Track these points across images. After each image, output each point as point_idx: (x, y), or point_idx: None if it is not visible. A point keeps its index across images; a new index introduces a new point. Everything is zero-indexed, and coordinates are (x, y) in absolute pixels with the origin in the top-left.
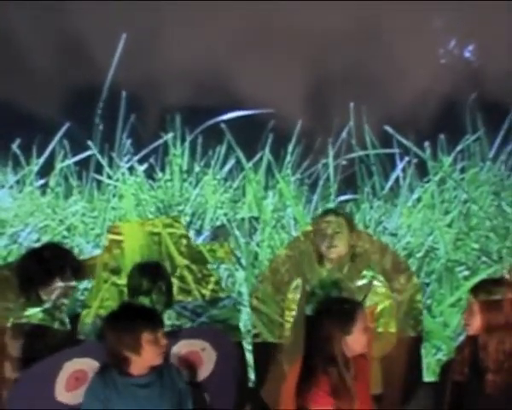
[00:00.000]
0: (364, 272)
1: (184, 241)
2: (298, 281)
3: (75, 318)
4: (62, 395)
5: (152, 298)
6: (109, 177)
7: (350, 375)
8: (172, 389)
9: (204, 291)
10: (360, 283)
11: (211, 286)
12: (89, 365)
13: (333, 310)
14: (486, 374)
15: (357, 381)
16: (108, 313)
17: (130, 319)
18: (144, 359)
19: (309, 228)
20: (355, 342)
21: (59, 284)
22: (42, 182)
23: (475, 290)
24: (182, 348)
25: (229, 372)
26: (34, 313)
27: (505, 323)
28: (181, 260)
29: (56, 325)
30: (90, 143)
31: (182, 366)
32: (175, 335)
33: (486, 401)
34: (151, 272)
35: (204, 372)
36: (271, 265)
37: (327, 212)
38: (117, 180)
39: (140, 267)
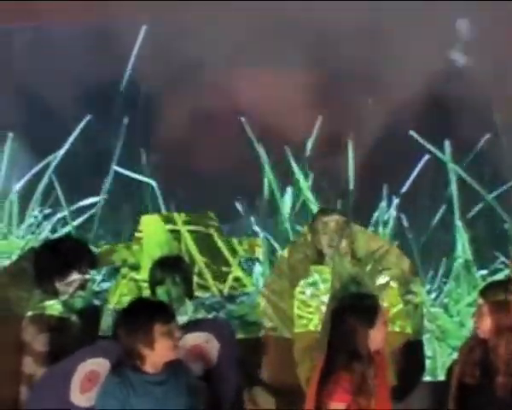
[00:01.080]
0: (381, 273)
1: (204, 238)
2: (316, 276)
3: (92, 311)
4: (77, 397)
5: (168, 289)
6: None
7: (371, 371)
8: (188, 386)
9: (222, 287)
10: (377, 282)
11: (230, 283)
12: (101, 365)
13: (357, 304)
14: (497, 377)
15: (377, 377)
16: (120, 310)
17: (142, 313)
18: (158, 353)
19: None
20: (377, 336)
21: (76, 276)
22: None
23: (484, 292)
24: (187, 342)
25: (232, 362)
26: (51, 305)
27: None
28: (200, 257)
29: (73, 318)
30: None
31: (188, 360)
32: (180, 328)
33: (497, 405)
34: (169, 264)
35: (208, 364)
36: (283, 261)
37: (325, 211)
38: None
39: (160, 259)
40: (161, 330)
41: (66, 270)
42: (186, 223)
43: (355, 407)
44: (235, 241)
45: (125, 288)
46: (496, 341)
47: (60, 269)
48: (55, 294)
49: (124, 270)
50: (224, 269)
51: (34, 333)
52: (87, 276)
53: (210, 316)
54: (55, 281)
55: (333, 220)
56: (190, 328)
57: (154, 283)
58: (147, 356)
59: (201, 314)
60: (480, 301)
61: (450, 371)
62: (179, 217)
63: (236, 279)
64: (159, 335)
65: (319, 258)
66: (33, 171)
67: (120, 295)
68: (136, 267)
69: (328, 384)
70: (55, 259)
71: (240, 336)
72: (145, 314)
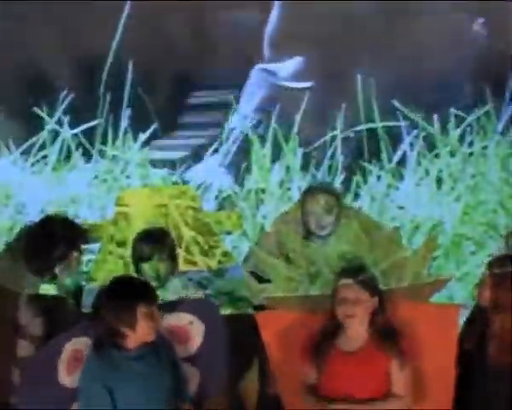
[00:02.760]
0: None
1: (191, 212)
2: None
3: (80, 290)
4: (65, 378)
5: (153, 264)
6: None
7: (345, 344)
8: (169, 362)
9: (210, 263)
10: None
11: (217, 258)
12: (85, 343)
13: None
14: (490, 348)
15: (359, 356)
16: (103, 288)
17: (126, 294)
18: (138, 334)
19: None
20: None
21: (74, 255)
22: (45, 153)
23: (490, 263)
24: (169, 321)
25: (219, 344)
26: (49, 289)
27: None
28: (187, 232)
29: (70, 299)
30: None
31: (169, 340)
32: (162, 308)
33: (489, 374)
34: (153, 238)
35: (193, 346)
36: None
37: (315, 189)
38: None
39: (143, 233)
40: (144, 311)
41: (64, 251)
42: (171, 197)
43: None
44: (222, 214)
45: (112, 265)
46: (492, 315)
47: (58, 251)
48: (53, 277)
49: (110, 246)
50: (212, 244)
51: (30, 316)
52: (82, 253)
53: (198, 293)
54: (55, 265)
55: (321, 199)
56: (173, 308)
57: (138, 258)
58: (128, 336)
59: (190, 291)
60: (486, 271)
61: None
62: (165, 190)
63: (224, 254)
64: (141, 316)
65: (308, 236)
66: None
67: (108, 273)
68: (123, 244)
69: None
70: (51, 241)
71: (229, 311)
72: (129, 295)
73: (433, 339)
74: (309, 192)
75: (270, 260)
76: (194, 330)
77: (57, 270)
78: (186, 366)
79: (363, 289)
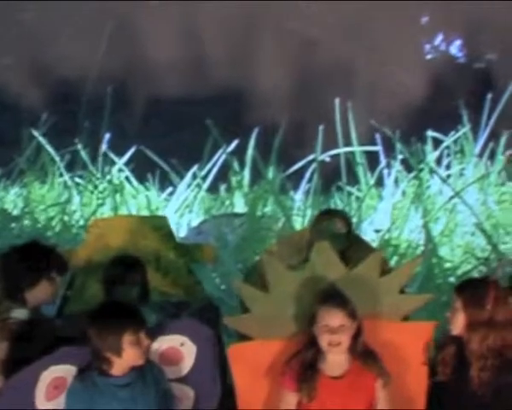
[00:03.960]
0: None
1: (169, 238)
2: None
3: (58, 315)
4: (43, 404)
5: (125, 289)
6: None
7: (329, 370)
8: (156, 388)
9: (188, 284)
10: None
11: (195, 279)
12: (67, 371)
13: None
14: (471, 371)
15: (347, 379)
16: (90, 312)
17: (112, 320)
18: (125, 360)
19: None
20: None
21: (44, 283)
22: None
23: (459, 288)
24: (161, 344)
25: (211, 364)
26: (20, 314)
27: (488, 319)
28: (165, 254)
29: (44, 325)
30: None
31: (162, 363)
32: (153, 331)
33: (472, 399)
34: (126, 263)
35: (185, 367)
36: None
37: (328, 211)
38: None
39: (117, 258)
40: (130, 339)
41: (35, 278)
42: (151, 223)
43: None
44: (196, 246)
45: (90, 289)
46: (469, 335)
47: (29, 277)
48: (23, 303)
49: (88, 270)
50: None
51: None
52: (57, 282)
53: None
54: (24, 290)
55: (333, 222)
56: (162, 330)
57: (110, 282)
58: (114, 362)
59: (168, 313)
60: (455, 297)
61: None
62: (140, 219)
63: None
64: (127, 344)
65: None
66: None
67: (87, 296)
68: (101, 267)
69: (284, 371)
70: (24, 267)
71: None
72: (115, 322)
73: (407, 356)
74: (323, 214)
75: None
76: (186, 351)
77: (27, 296)
78: (180, 387)
79: (348, 316)
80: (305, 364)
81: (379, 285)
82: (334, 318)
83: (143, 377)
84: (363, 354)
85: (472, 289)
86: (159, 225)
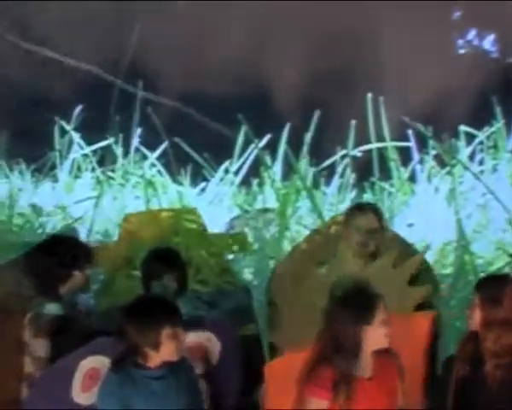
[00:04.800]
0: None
1: (200, 232)
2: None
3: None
4: (79, 396)
5: (163, 283)
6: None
7: (358, 371)
8: (187, 382)
9: (219, 282)
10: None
11: (227, 278)
12: (101, 362)
13: (350, 299)
14: (486, 368)
15: (376, 379)
16: (128, 306)
17: (152, 314)
18: (162, 354)
19: (332, 220)
20: (375, 334)
21: (77, 275)
22: (56, 171)
23: (478, 285)
24: (188, 340)
25: (234, 364)
26: (54, 309)
27: (503, 319)
28: (197, 251)
29: (79, 319)
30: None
31: (189, 359)
32: (184, 326)
33: (488, 393)
34: (164, 258)
35: (209, 364)
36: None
37: (364, 206)
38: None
39: (153, 253)
40: (169, 333)
41: (67, 271)
42: (182, 217)
43: (334, 406)
44: (226, 236)
45: (121, 284)
46: (484, 334)
47: (61, 271)
48: (57, 298)
49: (120, 265)
50: (222, 264)
51: (31, 338)
52: (87, 273)
53: (209, 313)
54: (57, 285)
55: (367, 217)
56: (191, 326)
57: (148, 276)
58: (150, 356)
59: (200, 311)
60: (474, 293)
61: (445, 365)
62: (176, 211)
63: (233, 275)
64: (165, 338)
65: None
66: None
67: (117, 291)
68: (132, 263)
69: (310, 378)
70: (54, 261)
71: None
72: (155, 316)
73: (406, 347)
74: (356, 209)
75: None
76: (211, 347)
77: (61, 290)
78: (200, 382)
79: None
80: (340, 370)
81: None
82: (385, 313)
83: (177, 370)
84: (385, 353)
85: (490, 287)
86: (190, 220)
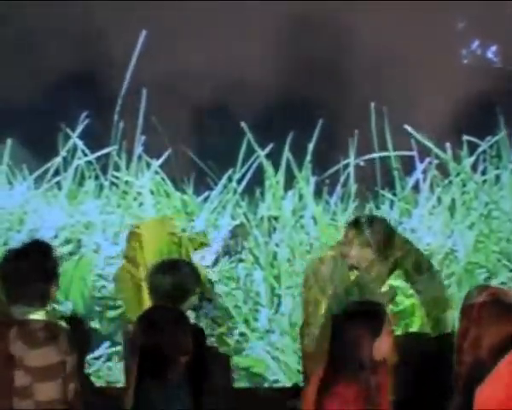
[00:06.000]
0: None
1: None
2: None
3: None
4: None
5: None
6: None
7: (375, 383)
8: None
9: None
10: (384, 288)
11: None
12: None
13: (362, 312)
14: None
15: (380, 389)
16: (145, 317)
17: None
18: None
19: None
20: (383, 345)
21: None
22: (60, 178)
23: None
24: None
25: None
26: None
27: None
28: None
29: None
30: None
31: None
32: None
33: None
34: (164, 267)
35: None
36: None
37: (350, 222)
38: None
39: (157, 265)
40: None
41: (56, 277)
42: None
43: None
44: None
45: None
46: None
47: (55, 277)
48: (45, 303)
49: (127, 266)
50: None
51: (25, 348)
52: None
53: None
54: (51, 287)
55: (348, 233)
56: None
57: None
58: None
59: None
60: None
61: None
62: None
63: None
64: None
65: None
66: None
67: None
68: (135, 264)
69: (331, 397)
70: (51, 263)
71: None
72: (178, 322)
73: None
74: (348, 223)
75: None
76: None
77: (52, 293)
78: None
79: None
80: (366, 386)
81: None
82: None
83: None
84: None
85: (466, 297)
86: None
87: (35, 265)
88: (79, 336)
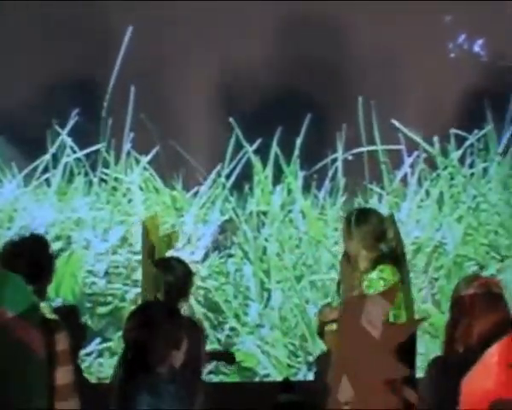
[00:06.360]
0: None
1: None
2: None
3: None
4: None
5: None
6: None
7: None
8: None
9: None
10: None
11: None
12: None
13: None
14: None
15: None
16: (135, 314)
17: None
18: (180, 353)
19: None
20: None
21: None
22: (49, 175)
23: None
24: None
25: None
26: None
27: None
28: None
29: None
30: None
31: None
32: None
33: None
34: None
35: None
36: None
37: (366, 211)
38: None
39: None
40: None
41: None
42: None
43: None
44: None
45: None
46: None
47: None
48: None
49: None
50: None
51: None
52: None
53: None
54: (46, 282)
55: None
56: None
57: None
58: (172, 357)
59: None
60: None
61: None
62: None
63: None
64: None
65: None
66: None
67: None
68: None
69: None
70: (49, 260)
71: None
72: (169, 317)
73: None
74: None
75: None
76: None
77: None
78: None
79: None
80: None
81: None
82: None
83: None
84: None
85: (455, 290)
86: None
87: (30, 259)
88: (73, 329)
